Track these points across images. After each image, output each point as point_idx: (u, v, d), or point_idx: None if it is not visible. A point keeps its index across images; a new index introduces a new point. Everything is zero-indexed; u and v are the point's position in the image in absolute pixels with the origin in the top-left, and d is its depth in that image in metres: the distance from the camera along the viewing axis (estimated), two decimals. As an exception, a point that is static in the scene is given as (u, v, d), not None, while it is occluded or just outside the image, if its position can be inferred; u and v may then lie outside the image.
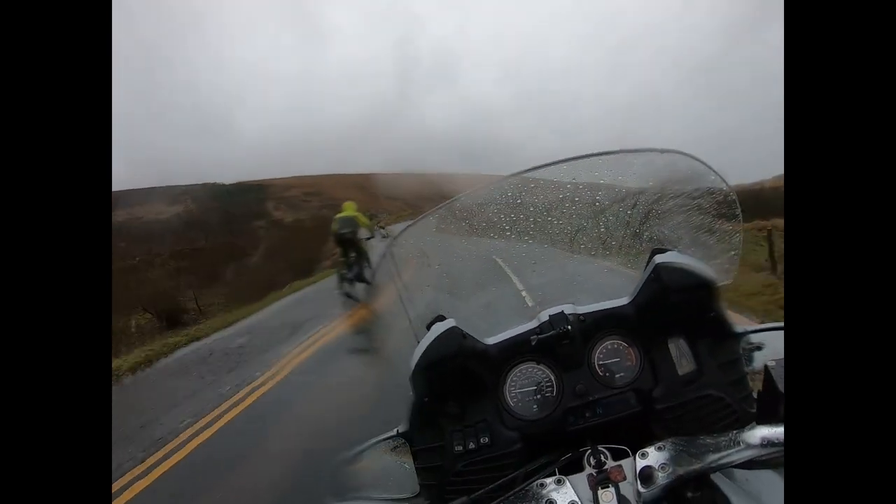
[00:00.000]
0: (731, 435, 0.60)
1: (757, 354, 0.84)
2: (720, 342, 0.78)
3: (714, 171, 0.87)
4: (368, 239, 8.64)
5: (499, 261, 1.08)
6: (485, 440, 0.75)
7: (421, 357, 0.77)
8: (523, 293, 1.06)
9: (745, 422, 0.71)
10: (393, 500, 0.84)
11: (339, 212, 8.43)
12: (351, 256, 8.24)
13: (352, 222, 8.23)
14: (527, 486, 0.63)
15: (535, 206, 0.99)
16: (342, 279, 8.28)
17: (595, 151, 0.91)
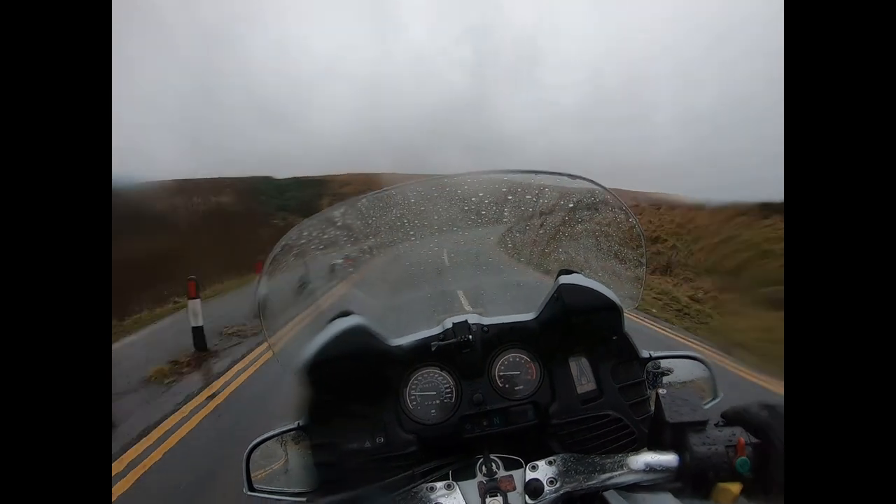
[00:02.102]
0: (618, 458, 0.62)
1: (665, 379, 0.87)
2: (623, 364, 0.80)
3: (622, 203, 0.89)
4: None
5: (404, 259, 1.07)
6: (380, 440, 0.76)
7: (317, 352, 0.75)
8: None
9: (642, 443, 0.74)
10: (292, 493, 0.84)
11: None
12: None
13: None
14: (415, 487, 0.64)
15: (438, 216, 0.99)
16: None
17: (539, 168, 0.91)
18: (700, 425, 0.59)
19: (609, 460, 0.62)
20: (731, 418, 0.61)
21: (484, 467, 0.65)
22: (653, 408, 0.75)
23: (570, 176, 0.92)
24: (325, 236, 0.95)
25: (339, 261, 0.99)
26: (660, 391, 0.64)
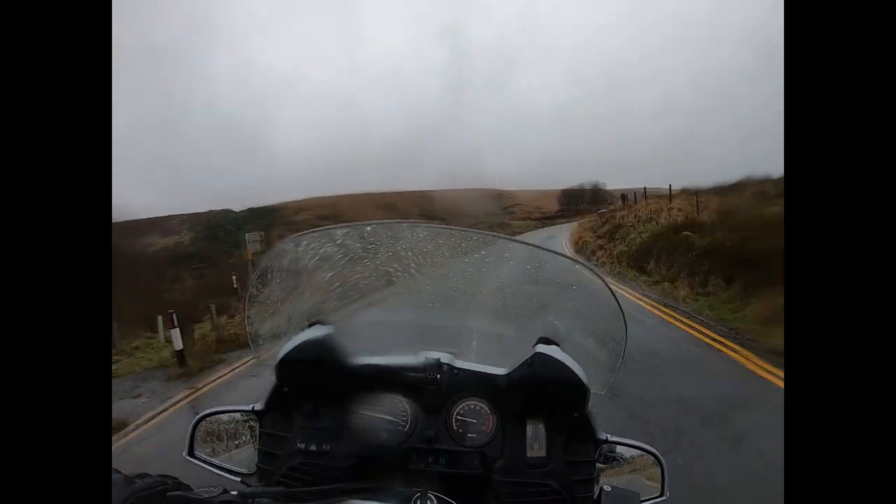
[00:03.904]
0: None
1: (613, 467, 0.88)
2: (577, 441, 0.82)
3: (614, 295, 0.91)
4: None
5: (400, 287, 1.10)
6: (326, 447, 0.78)
7: (287, 353, 0.81)
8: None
9: None
10: (229, 470, 0.86)
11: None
12: None
13: None
14: (346, 500, 0.64)
15: (438, 260, 1.02)
16: None
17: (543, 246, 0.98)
18: None
19: None
20: None
21: (419, 501, 0.65)
22: (595, 492, 0.79)
23: (572, 260, 1.00)
24: (322, 250, 0.97)
25: (331, 278, 1.02)
26: (605, 487, 0.66)
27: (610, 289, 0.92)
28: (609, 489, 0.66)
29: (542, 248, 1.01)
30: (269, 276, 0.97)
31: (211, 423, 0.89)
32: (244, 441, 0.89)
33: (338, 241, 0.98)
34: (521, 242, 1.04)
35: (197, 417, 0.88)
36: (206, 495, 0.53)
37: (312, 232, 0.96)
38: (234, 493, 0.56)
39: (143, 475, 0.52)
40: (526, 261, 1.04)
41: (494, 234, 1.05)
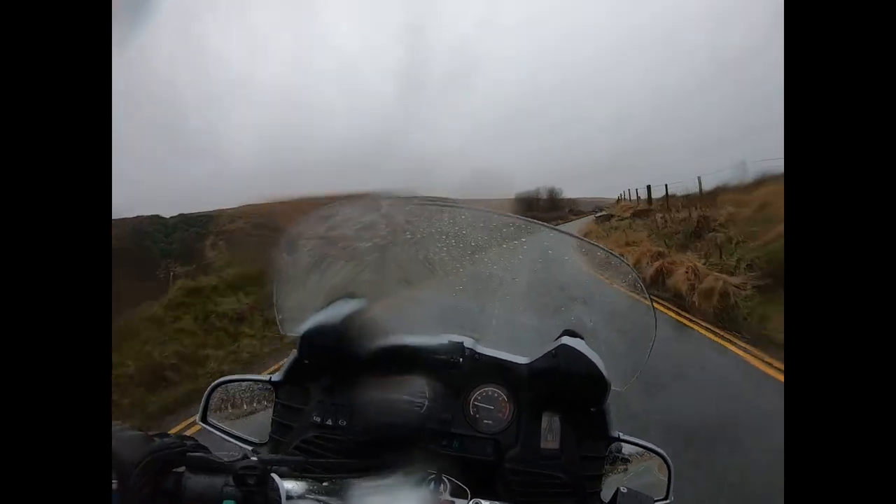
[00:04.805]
0: None
1: (621, 466, 0.88)
2: (591, 437, 0.82)
3: (643, 289, 0.91)
4: None
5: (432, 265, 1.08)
6: (342, 422, 0.79)
7: (312, 325, 0.82)
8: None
9: None
10: (241, 439, 0.87)
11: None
12: None
13: None
14: (357, 478, 0.64)
15: (475, 244, 1.02)
16: None
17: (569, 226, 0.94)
18: None
19: None
20: None
21: (433, 484, 0.65)
22: (602, 487, 0.79)
23: (610, 253, 1.00)
24: (365, 218, 0.96)
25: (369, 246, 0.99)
26: (621, 489, 0.66)
27: (643, 286, 0.92)
28: (625, 491, 0.67)
29: (590, 242, 1.02)
30: (304, 243, 0.96)
31: (225, 391, 0.91)
32: (256, 411, 0.90)
33: (382, 211, 0.97)
34: (564, 232, 1.04)
35: (213, 384, 0.89)
36: (225, 459, 0.53)
37: (352, 200, 0.97)
38: (255, 458, 0.56)
39: (163, 434, 0.52)
40: (564, 252, 1.04)
41: (537, 221, 1.06)
